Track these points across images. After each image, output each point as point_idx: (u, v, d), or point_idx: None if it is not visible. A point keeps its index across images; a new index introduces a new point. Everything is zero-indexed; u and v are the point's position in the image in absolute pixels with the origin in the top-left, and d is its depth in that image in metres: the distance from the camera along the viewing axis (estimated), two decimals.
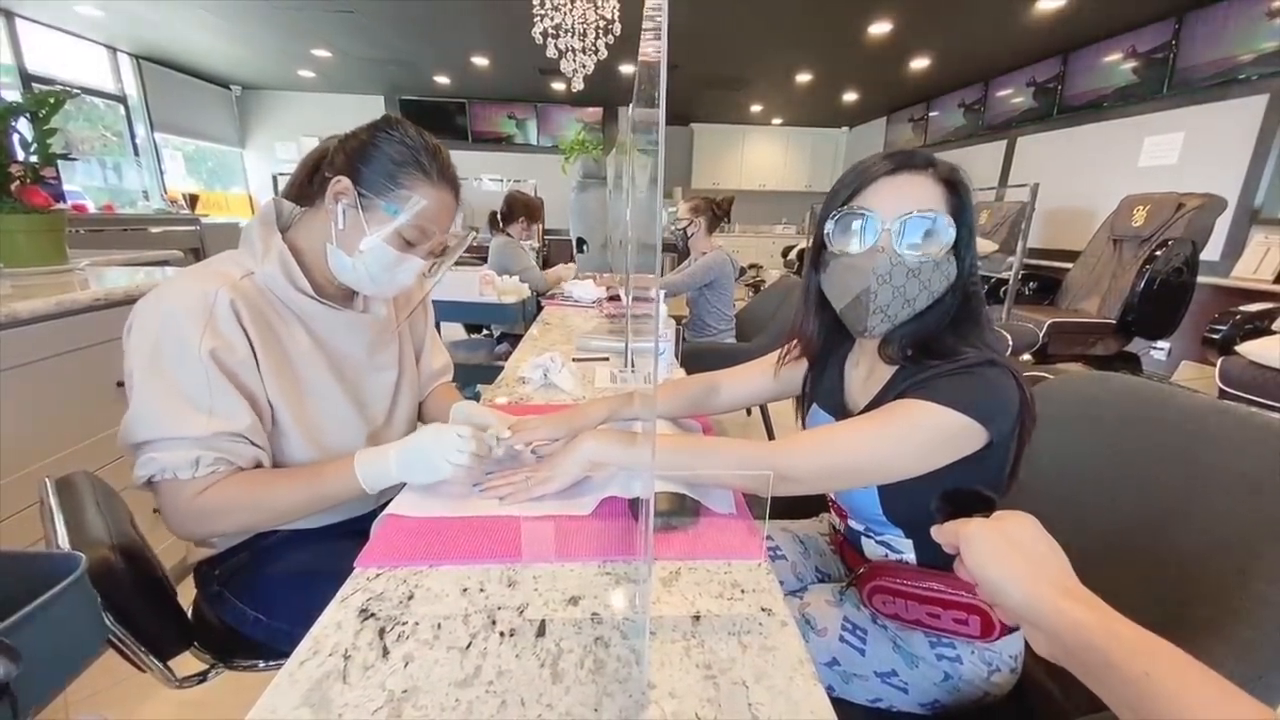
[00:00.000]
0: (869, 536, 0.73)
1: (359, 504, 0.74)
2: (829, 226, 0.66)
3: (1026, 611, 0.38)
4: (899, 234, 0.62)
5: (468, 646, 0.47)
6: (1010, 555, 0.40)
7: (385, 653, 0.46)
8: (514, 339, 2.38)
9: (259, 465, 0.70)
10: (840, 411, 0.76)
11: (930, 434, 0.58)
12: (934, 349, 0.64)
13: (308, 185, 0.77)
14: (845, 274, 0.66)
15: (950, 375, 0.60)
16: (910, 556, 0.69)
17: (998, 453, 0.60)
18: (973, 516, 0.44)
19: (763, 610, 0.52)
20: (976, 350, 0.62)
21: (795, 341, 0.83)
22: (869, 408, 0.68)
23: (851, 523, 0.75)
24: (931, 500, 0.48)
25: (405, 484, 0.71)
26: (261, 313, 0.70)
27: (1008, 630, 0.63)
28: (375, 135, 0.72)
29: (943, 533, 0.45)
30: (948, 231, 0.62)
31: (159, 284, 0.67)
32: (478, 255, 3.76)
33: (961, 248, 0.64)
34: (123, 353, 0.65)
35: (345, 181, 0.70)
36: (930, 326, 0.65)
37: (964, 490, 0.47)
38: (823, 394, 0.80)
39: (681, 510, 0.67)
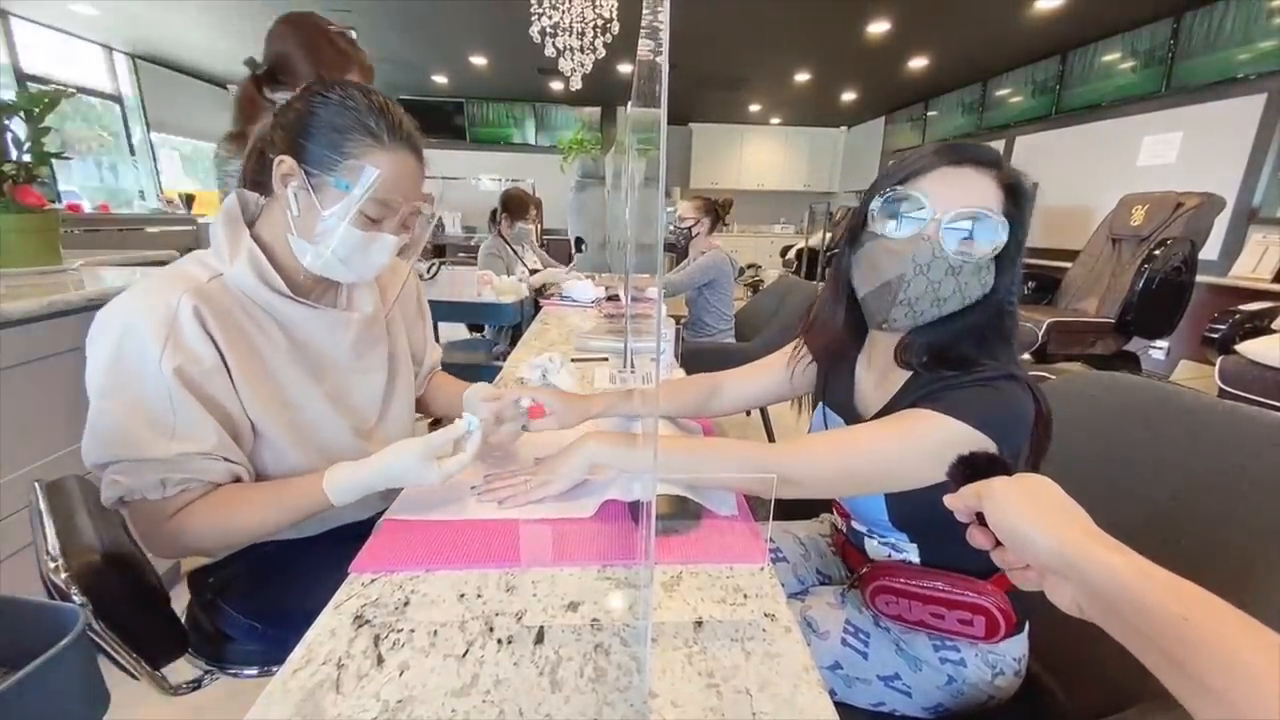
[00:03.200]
0: (872, 537, 0.72)
1: (358, 509, 0.73)
2: (875, 204, 0.62)
3: (1055, 559, 0.37)
4: (949, 225, 0.58)
5: (464, 654, 0.46)
6: (1036, 506, 0.39)
7: (380, 661, 0.45)
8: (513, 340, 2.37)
9: (238, 479, 0.66)
10: (850, 414, 0.74)
11: (939, 446, 0.56)
12: (951, 359, 0.62)
13: (259, 171, 0.70)
14: (881, 256, 0.62)
15: (965, 387, 0.59)
16: (914, 559, 0.68)
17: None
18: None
19: (766, 615, 0.51)
20: (997, 363, 0.61)
21: (805, 338, 0.81)
22: (881, 413, 0.67)
23: (854, 523, 0.74)
24: (945, 468, 0.47)
25: (401, 488, 0.70)
26: (232, 317, 0.65)
27: (1012, 631, 0.63)
28: (311, 102, 0.65)
29: (960, 497, 0.44)
30: (999, 234, 0.59)
31: (121, 292, 0.63)
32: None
33: (1007, 258, 0.61)
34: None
35: (289, 161, 0.64)
36: (952, 335, 0.63)
37: (981, 454, 0.46)
38: (832, 395, 0.79)
39: (682, 513, 0.66)
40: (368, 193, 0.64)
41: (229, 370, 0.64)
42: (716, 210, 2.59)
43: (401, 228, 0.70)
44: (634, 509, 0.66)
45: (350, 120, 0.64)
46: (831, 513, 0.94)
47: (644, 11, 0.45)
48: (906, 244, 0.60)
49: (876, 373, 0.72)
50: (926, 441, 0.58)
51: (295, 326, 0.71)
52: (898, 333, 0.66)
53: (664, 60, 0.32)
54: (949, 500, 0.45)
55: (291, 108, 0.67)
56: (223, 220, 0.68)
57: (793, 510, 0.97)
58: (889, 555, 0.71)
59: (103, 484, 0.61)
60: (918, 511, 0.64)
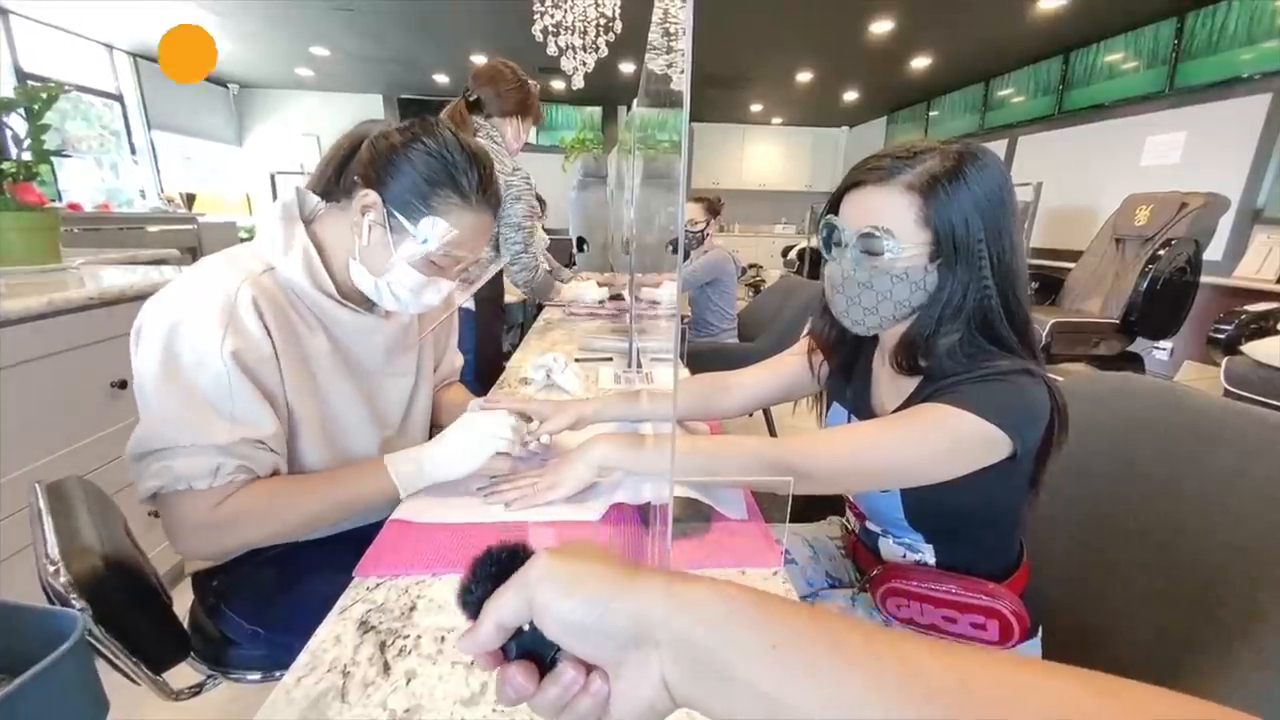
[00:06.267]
0: (887, 537, 0.71)
1: (364, 515, 0.72)
2: (821, 233, 0.67)
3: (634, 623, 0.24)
4: (851, 246, 0.62)
5: (473, 662, 0.44)
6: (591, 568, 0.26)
7: (386, 668, 0.44)
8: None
9: (275, 473, 0.66)
10: (866, 412, 0.74)
11: (952, 439, 0.56)
12: (936, 356, 0.62)
13: (335, 180, 0.72)
14: (825, 276, 0.69)
15: (980, 382, 0.58)
16: (930, 560, 0.68)
17: (1024, 463, 0.59)
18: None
19: None
20: (1009, 359, 0.60)
21: (815, 339, 0.81)
22: (897, 411, 0.66)
23: (869, 524, 0.73)
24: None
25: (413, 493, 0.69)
26: (282, 310, 0.66)
27: (1026, 635, 0.62)
28: (409, 142, 0.66)
29: (490, 619, 0.25)
30: (893, 247, 0.58)
31: (168, 282, 0.62)
32: None
33: (951, 258, 0.58)
34: (123, 354, 0.61)
35: (373, 197, 0.65)
36: (918, 333, 0.62)
37: (491, 555, 0.28)
38: (848, 393, 0.78)
39: (693, 515, 0.65)
40: (442, 246, 0.67)
41: (279, 362, 0.64)
42: (715, 210, 2.59)
43: (459, 275, 0.73)
44: (643, 512, 0.65)
45: (443, 175, 0.66)
46: (840, 514, 0.93)
47: (654, 20, 0.44)
48: (834, 266, 0.66)
49: (890, 371, 0.72)
50: (937, 434, 0.57)
51: (337, 327, 0.72)
52: (863, 334, 0.68)
53: (686, 63, 0.32)
54: (467, 647, 0.26)
55: (388, 140, 0.67)
56: (279, 215, 0.69)
57: (800, 512, 0.96)
58: (904, 556, 0.70)
59: (144, 475, 0.60)
60: (935, 511, 0.63)
